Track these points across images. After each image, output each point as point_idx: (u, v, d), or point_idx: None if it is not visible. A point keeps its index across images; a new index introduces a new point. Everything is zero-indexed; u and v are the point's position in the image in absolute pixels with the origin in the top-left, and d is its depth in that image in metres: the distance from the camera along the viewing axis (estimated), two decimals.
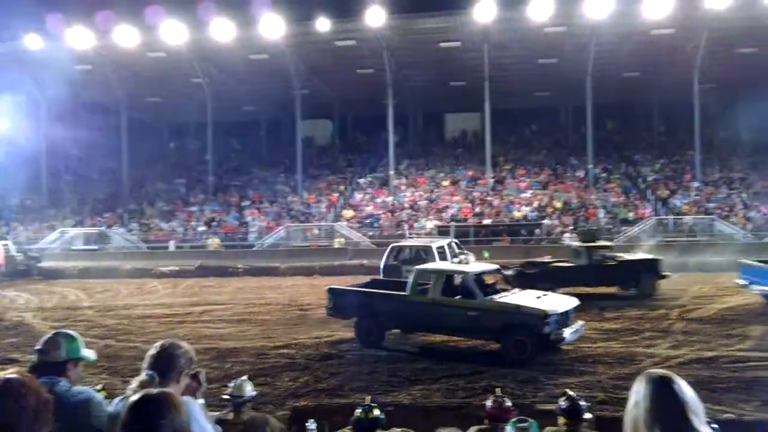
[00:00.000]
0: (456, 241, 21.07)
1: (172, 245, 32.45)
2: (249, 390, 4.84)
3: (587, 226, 27.25)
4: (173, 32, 31.27)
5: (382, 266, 18.74)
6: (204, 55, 34.27)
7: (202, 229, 34.48)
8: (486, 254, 21.39)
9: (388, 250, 19.52)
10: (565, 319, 10.95)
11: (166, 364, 2.87)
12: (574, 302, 11.53)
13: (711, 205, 31.66)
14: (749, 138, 38.61)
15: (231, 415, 4.70)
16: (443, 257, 17.01)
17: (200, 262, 26.70)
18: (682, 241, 27.86)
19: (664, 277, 17.43)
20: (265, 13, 30.26)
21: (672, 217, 30.96)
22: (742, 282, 15.69)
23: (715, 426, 3.69)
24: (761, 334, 12.19)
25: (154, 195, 39.72)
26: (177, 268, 26.09)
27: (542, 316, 10.53)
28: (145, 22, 30.88)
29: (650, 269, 17.43)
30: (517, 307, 10.94)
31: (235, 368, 10.80)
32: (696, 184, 33.70)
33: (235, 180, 40.23)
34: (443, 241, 19.36)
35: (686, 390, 1.86)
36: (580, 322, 11.51)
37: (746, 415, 7.34)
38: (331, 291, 13.23)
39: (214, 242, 31.64)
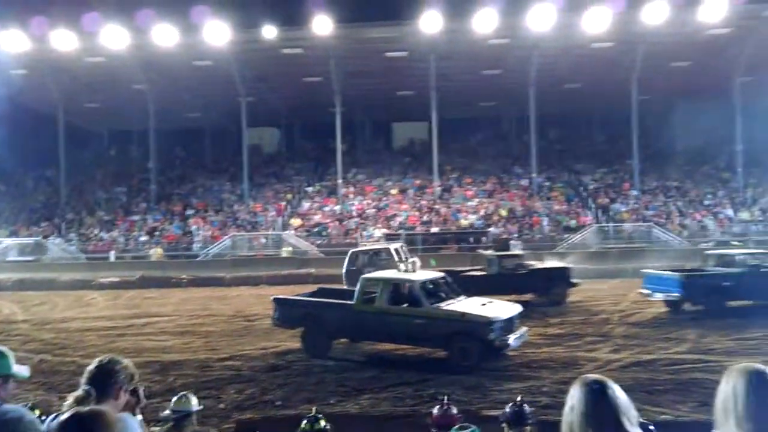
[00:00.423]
0: (404, 245, 21.90)
1: (112, 256, 31.51)
2: (193, 404, 4.70)
3: (498, 236, 27.69)
4: (113, 37, 30.46)
5: (344, 271, 19.15)
6: (146, 61, 33.47)
7: (144, 239, 33.58)
8: (433, 262, 21.59)
9: (348, 255, 19.95)
10: (509, 325, 11.09)
11: (104, 379, 2.78)
12: (518, 309, 11.69)
13: (649, 212, 32.82)
14: (684, 148, 40.33)
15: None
16: (401, 258, 17.92)
17: (142, 272, 26.01)
18: (621, 248, 28.77)
19: (574, 285, 17.74)
20: (210, 19, 29.83)
21: (612, 224, 31.93)
22: (645, 291, 16.13)
23: (652, 428, 3.80)
24: (697, 337, 12.65)
25: (93, 204, 38.46)
26: (118, 280, 25.35)
27: (487, 323, 10.66)
28: (84, 26, 29.98)
29: (561, 277, 17.73)
30: (462, 314, 11.00)
31: (179, 381, 10.54)
32: (634, 193, 34.89)
33: (179, 188, 39.37)
34: (397, 244, 20.68)
35: (619, 394, 1.93)
36: (524, 328, 11.70)
37: (682, 416, 7.58)
38: (276, 301, 13.06)
39: (156, 252, 30.84)
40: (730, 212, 32.86)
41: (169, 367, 11.51)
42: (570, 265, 18.77)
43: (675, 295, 15.14)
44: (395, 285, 12.11)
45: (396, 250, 19.64)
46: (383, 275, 13.05)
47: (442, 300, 11.90)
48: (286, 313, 12.71)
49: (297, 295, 13.50)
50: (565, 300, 17.38)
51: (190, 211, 36.11)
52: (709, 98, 36.12)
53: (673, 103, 39.60)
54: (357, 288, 12.16)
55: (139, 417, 3.26)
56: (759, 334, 12.50)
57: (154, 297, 21.78)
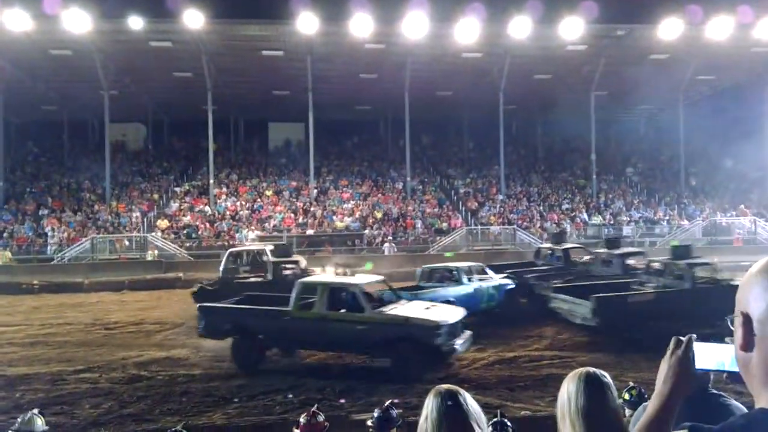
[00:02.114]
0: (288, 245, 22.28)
1: None
2: (39, 425, 4.26)
3: (282, 243, 26.98)
4: None
5: (221, 270, 18.92)
6: None
7: None
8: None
9: (225, 255, 19.89)
10: (455, 329, 10.66)
11: None
12: (462, 312, 11.29)
13: (513, 216, 34.65)
14: (545, 155, 43.08)
15: None
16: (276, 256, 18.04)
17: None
18: (488, 249, 30.14)
19: None
20: (69, 6, 27.71)
21: (480, 227, 33.40)
22: None
23: (510, 425, 3.94)
24: (554, 334, 13.46)
25: None
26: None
27: (434, 326, 10.21)
28: None
29: None
30: (406, 318, 10.55)
31: (27, 397, 9.68)
32: (501, 197, 36.70)
33: (32, 186, 36.23)
34: (271, 246, 20.43)
35: (470, 402, 2.06)
36: (468, 332, 11.20)
37: (540, 411, 7.98)
38: (202, 309, 12.06)
39: (3, 256, 28.17)
40: (585, 216, 35.46)
41: (15, 382, 10.52)
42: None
43: None
44: (335, 289, 11.46)
45: (272, 250, 19.36)
46: (322, 279, 12.30)
47: (384, 305, 11.44)
48: (214, 322, 11.73)
49: (225, 303, 12.51)
50: None
51: (44, 211, 33.34)
52: (568, 110, 38.99)
53: (536, 113, 42.28)
54: (293, 293, 11.34)
55: None
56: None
57: (0, 305, 19.84)
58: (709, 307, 11.01)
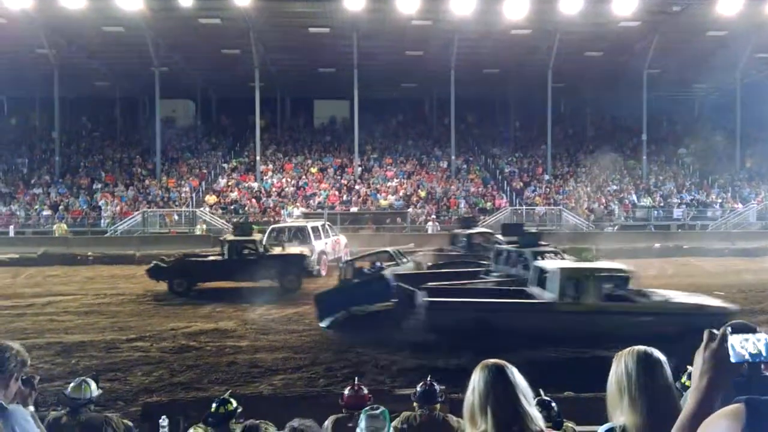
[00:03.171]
0: (328, 223, 22.81)
1: (11, 230, 29.69)
2: (92, 390, 4.43)
3: (241, 220, 25.98)
4: None
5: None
6: (50, 24, 31.36)
7: (47, 213, 31.76)
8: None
9: (268, 231, 20.20)
10: None
11: None
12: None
13: (559, 196, 34.12)
14: (594, 134, 42.13)
15: (65, 418, 4.29)
16: (318, 237, 18.72)
17: (44, 249, 24.57)
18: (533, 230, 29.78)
19: (309, 273, 17.51)
20: None
21: (525, 207, 33.01)
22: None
23: (554, 404, 3.94)
24: None
25: None
26: (17, 256, 23.81)
27: (727, 314, 9.10)
28: None
29: (294, 265, 17.01)
30: (700, 306, 9.86)
31: (82, 363, 10.09)
32: (546, 177, 36.15)
33: (86, 161, 37.36)
34: (317, 223, 21.25)
35: (517, 375, 2.09)
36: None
37: (584, 393, 7.90)
38: (435, 306, 10.24)
39: (59, 228, 29.25)
40: (633, 198, 34.67)
41: (72, 349, 10.98)
42: (307, 253, 17.85)
43: None
44: (603, 278, 10.19)
45: (314, 228, 20.03)
46: (589, 266, 10.71)
47: (639, 293, 10.51)
48: (445, 318, 9.97)
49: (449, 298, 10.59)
50: (299, 287, 16.59)
51: (97, 185, 34.40)
52: (618, 88, 37.93)
53: (585, 92, 41.24)
54: (556, 283, 10.07)
55: (32, 408, 3.04)
56: None
57: (57, 275, 20.62)
58: None
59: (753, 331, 1.54)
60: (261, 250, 17.03)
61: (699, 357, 1.60)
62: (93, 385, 4.45)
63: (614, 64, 36.13)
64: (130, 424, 4.75)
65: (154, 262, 17.39)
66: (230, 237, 17.76)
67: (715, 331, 1.59)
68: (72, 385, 4.47)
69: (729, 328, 1.56)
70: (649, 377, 2.04)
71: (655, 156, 39.03)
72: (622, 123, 42.45)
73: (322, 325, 11.60)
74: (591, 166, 38.13)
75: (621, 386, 2.06)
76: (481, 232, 19.59)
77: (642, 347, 2.13)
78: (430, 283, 11.29)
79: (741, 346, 1.52)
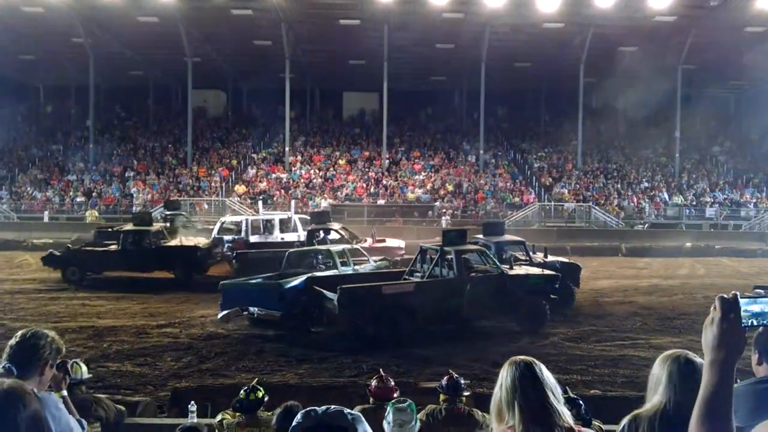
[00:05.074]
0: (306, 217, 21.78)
1: (46, 216, 30.34)
2: (82, 372, 4.53)
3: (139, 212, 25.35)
4: None
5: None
6: (86, 14, 31.88)
7: (80, 199, 32.41)
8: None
9: (242, 221, 20.56)
10: None
11: (27, 355, 2.59)
12: None
13: (589, 193, 33.70)
14: (625, 131, 41.44)
15: None
16: (286, 229, 19.63)
17: (78, 234, 25.09)
18: (561, 226, 29.53)
19: (209, 264, 17.58)
20: None
21: (554, 203, 32.68)
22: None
23: (581, 402, 3.94)
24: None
25: (27, 161, 36.80)
26: (51, 241, 24.36)
27: None
28: None
29: (182, 257, 17.04)
30: None
31: (114, 348, 10.33)
32: (576, 173, 35.72)
33: (119, 149, 38.01)
34: (285, 215, 21.58)
35: (545, 372, 2.10)
36: None
37: (611, 391, 7.87)
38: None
39: (92, 214, 29.84)
40: (665, 196, 34.10)
41: (103, 333, 11.24)
42: (208, 245, 17.94)
43: None
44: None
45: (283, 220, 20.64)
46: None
47: None
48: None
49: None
50: (193, 280, 16.77)
51: (130, 173, 34.99)
52: (652, 84, 37.14)
53: (617, 87, 40.50)
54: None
55: (65, 392, 3.15)
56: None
57: None
58: (481, 299, 11.10)
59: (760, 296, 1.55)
60: (158, 241, 17.15)
61: (708, 329, 1.55)
62: (84, 367, 4.56)
63: (648, 59, 35.37)
64: (122, 408, 4.87)
65: (50, 250, 17.79)
66: (127, 227, 17.99)
67: (725, 295, 1.55)
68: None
69: (738, 293, 1.55)
70: (683, 378, 2.14)
71: (688, 153, 38.30)
72: (654, 119, 41.68)
73: (219, 315, 11.90)
74: (622, 162, 37.59)
75: (657, 386, 2.19)
76: (336, 229, 18.13)
77: (683, 351, 2.24)
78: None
79: (747, 311, 1.53)
